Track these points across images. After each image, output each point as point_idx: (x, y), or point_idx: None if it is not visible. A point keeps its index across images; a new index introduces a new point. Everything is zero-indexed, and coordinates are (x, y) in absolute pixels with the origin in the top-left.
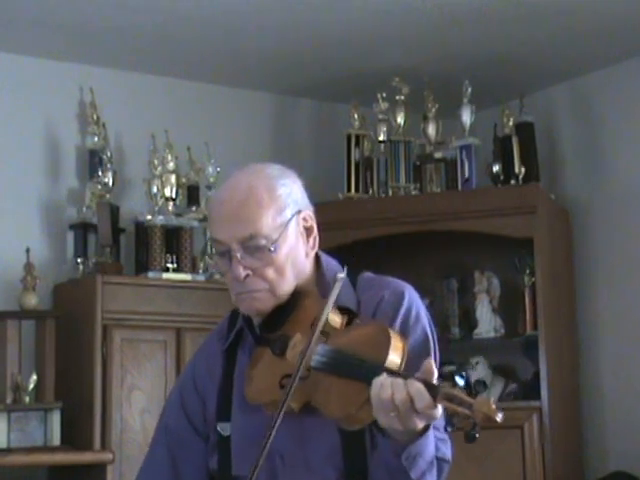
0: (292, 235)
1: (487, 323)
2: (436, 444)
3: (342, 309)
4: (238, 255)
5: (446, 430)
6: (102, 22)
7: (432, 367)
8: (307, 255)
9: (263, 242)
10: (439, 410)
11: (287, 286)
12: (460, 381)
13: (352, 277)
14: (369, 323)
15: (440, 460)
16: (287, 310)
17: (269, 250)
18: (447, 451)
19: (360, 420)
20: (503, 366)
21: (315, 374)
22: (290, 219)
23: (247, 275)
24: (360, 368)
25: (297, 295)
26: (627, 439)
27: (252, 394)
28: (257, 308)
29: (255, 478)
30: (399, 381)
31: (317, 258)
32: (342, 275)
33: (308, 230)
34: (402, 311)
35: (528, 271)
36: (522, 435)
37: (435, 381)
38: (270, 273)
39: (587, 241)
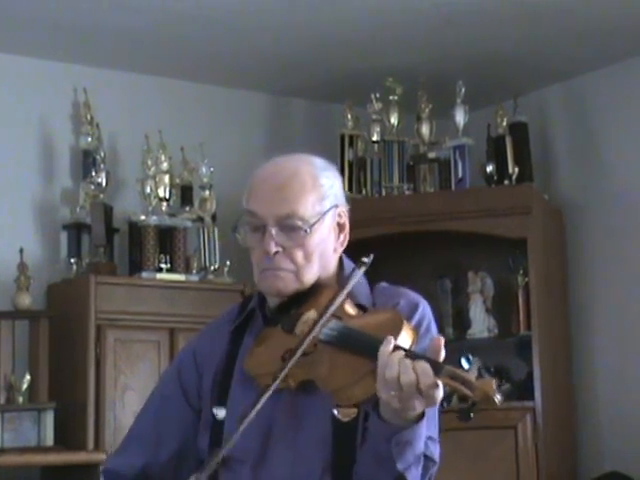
0: (326, 226)
1: (481, 323)
2: (426, 442)
3: (359, 306)
4: (272, 231)
5: (442, 406)
6: (96, 22)
7: (441, 346)
8: (335, 251)
9: (299, 223)
10: (440, 393)
11: (311, 274)
12: (465, 364)
13: (370, 284)
14: (384, 310)
15: (427, 459)
16: (304, 299)
17: (304, 231)
18: (435, 451)
19: (355, 395)
20: (497, 366)
21: (320, 351)
22: (328, 210)
23: (277, 252)
24: (368, 342)
25: (317, 287)
26: (621, 439)
27: (251, 365)
28: (279, 288)
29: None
30: (407, 361)
31: (340, 259)
32: (367, 260)
33: (341, 226)
34: (415, 319)
35: (522, 271)
36: (516, 435)
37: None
38: (299, 255)
39: (580, 241)
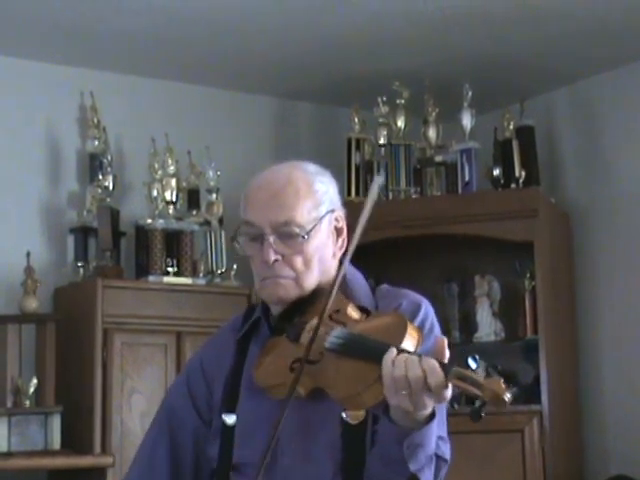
0: (324, 232)
1: (487, 327)
2: (437, 442)
3: (361, 308)
4: (270, 239)
5: (452, 407)
6: (102, 25)
7: (444, 345)
8: (334, 255)
9: (296, 230)
10: (449, 391)
11: (312, 279)
12: (473, 364)
13: (371, 286)
14: (387, 313)
15: (439, 458)
16: (306, 305)
17: (302, 238)
18: (446, 451)
19: (364, 401)
20: (503, 370)
21: (327, 359)
22: (324, 215)
23: (276, 260)
24: (374, 349)
25: (318, 292)
26: (628, 442)
27: (261, 377)
28: (280, 295)
29: (265, 461)
30: (413, 358)
31: (340, 263)
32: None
33: (339, 231)
34: (418, 320)
35: (528, 275)
36: (523, 439)
37: (447, 361)
38: (298, 262)
39: (587, 245)
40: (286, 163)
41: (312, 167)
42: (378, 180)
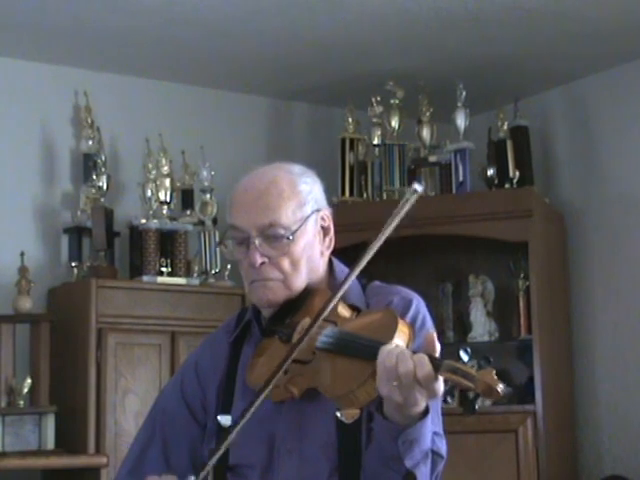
0: (310, 231)
1: (481, 327)
2: (432, 438)
3: (352, 307)
4: (256, 242)
5: (445, 401)
6: (97, 26)
7: (434, 339)
8: (322, 254)
9: (282, 232)
10: (440, 385)
11: (300, 280)
12: (464, 356)
13: (362, 284)
14: (378, 310)
15: (435, 454)
16: (297, 306)
17: (287, 239)
18: (442, 446)
19: (359, 399)
20: (497, 370)
21: (319, 358)
22: (309, 215)
23: (263, 263)
24: (365, 346)
25: (308, 293)
26: (622, 443)
27: (253, 378)
28: (269, 298)
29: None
30: (406, 350)
31: (330, 262)
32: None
33: (325, 229)
34: (409, 316)
35: (522, 275)
36: (517, 439)
37: (438, 354)
38: (285, 264)
39: (582, 245)
40: (270, 165)
41: (296, 168)
42: (418, 188)
